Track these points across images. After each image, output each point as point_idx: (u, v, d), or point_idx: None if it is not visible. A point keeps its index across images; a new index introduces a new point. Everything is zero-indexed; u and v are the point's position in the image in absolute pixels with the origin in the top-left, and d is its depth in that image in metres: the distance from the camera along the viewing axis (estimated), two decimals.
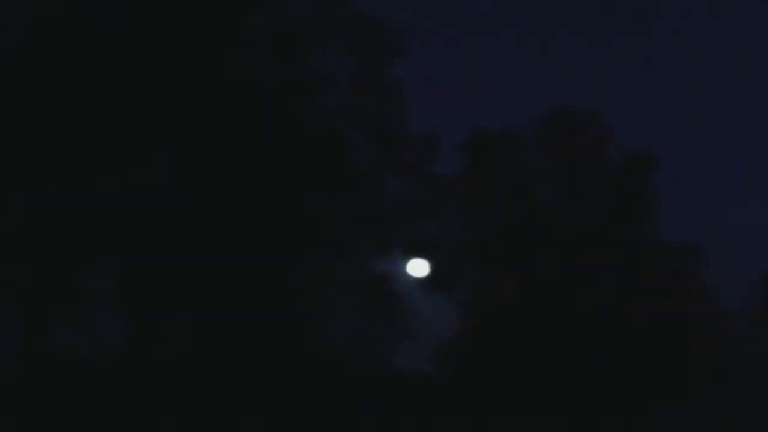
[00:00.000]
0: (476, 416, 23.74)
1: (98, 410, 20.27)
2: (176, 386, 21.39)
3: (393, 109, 23.71)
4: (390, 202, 23.95)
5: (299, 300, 23.42)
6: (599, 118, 24.34)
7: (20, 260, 20.61)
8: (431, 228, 24.21)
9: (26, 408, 19.96)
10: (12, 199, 20.81)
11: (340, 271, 24.02)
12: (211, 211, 21.74)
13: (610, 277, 24.29)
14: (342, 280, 24.02)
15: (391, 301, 24.16)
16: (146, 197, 21.33)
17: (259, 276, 22.81)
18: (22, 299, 20.80)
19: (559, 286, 24.21)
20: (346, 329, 23.94)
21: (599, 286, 24.33)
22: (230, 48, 22.36)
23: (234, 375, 22.42)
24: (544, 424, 23.68)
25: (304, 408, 22.93)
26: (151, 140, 21.61)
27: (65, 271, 20.95)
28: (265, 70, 22.90)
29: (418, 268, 24.37)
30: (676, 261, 24.09)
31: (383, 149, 24.02)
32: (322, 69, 23.28)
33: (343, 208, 23.43)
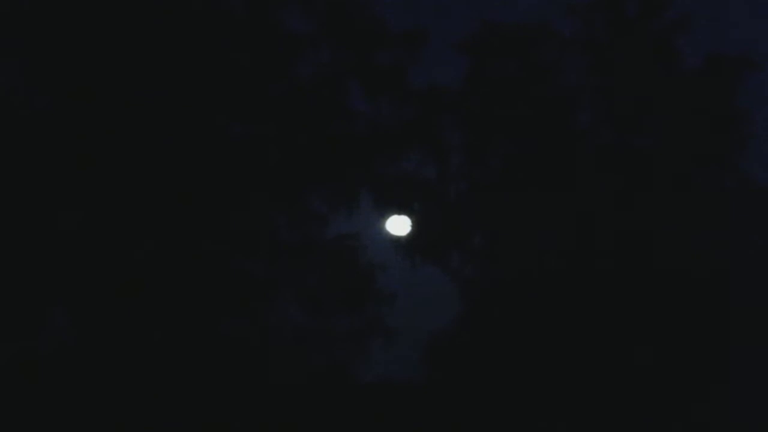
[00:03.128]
0: None
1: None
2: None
3: None
4: (354, 126, 15.99)
5: (220, 279, 15.53)
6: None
7: None
8: (416, 165, 16.21)
9: None
10: None
11: (281, 234, 16.07)
12: None
13: (677, 234, 16.26)
14: (285, 247, 16.08)
15: (358, 276, 16.26)
16: None
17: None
18: None
19: (604, 252, 16.23)
20: (294, 321, 16.04)
21: (661, 246, 16.28)
22: None
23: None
24: None
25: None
26: None
27: None
28: None
29: (397, 226, 16.39)
30: None
31: (342, 48, 15.97)
32: None
33: (279, 138, 15.47)
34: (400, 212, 16.37)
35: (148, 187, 15.25)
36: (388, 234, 16.40)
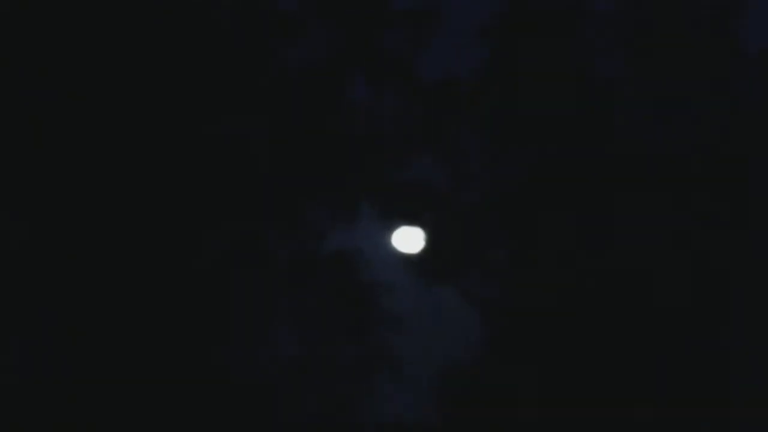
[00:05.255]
0: None
1: None
2: None
3: None
4: (355, 124, 13.70)
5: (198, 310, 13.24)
6: None
7: None
8: (427, 169, 13.87)
9: None
10: None
11: (269, 250, 13.74)
12: None
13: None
14: (274, 265, 13.74)
15: (359, 299, 13.91)
16: None
17: None
18: None
19: (648, 271, 13.89)
20: (285, 352, 13.67)
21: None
22: None
23: None
24: None
25: None
26: None
27: None
28: None
29: (405, 240, 14.03)
30: None
31: (340, 30, 13.69)
32: None
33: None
34: (409, 224, 14.02)
35: (116, 192, 13.02)
36: (395, 249, 14.04)
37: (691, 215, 14.27)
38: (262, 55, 13.62)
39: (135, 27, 13.31)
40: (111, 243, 13.11)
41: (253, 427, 13.37)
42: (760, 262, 14.13)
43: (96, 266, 13.06)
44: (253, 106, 13.61)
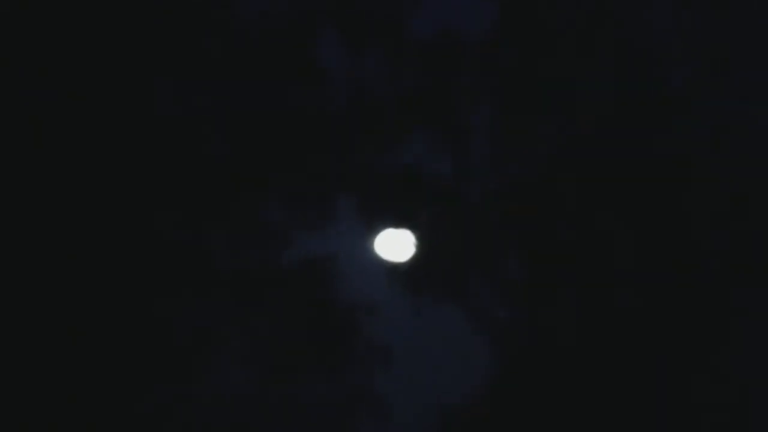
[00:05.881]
0: None
1: None
2: None
3: None
4: (328, 97, 10.60)
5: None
6: None
7: None
8: (420, 155, 10.75)
9: None
10: None
11: (218, 260, 10.62)
12: None
13: None
14: (224, 278, 10.62)
15: (334, 322, 10.80)
16: None
17: None
18: None
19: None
20: (239, 389, 10.55)
21: None
22: None
23: None
24: None
25: None
26: None
27: None
28: None
29: (392, 246, 10.89)
30: None
31: None
32: None
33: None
34: (396, 225, 10.91)
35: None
36: (379, 259, 10.93)
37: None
38: (206, 7, 10.51)
39: None
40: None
41: None
42: None
43: None
44: (195, 73, 10.52)
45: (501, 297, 10.95)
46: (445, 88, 11.01)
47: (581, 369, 10.77)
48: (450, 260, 10.96)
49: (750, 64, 10.83)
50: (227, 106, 10.45)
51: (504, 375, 10.78)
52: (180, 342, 10.22)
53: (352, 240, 10.89)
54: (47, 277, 10.06)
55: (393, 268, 10.94)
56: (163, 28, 10.42)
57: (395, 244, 10.93)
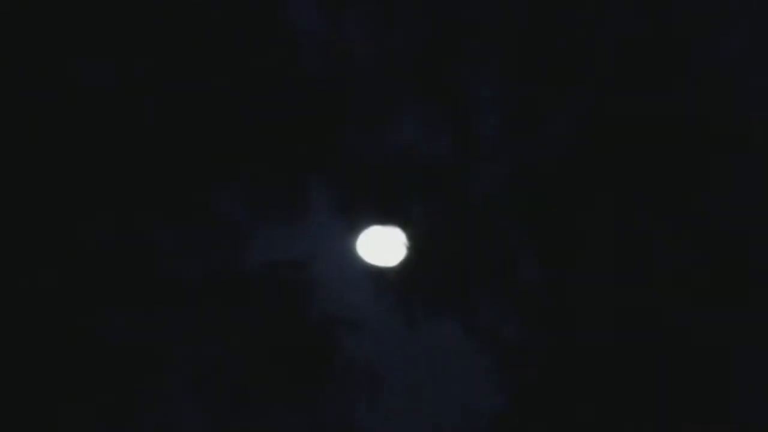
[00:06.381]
0: None
1: None
2: None
3: None
4: (300, 64, 8.65)
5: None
6: None
7: None
8: (413, 136, 8.81)
9: None
10: None
11: (169, 265, 8.71)
12: None
13: None
14: (176, 287, 8.73)
15: (307, 341, 8.92)
16: None
17: None
18: None
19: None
20: (191, 422, 8.71)
21: None
22: None
23: None
24: None
25: None
26: None
27: None
28: None
29: (378, 248, 8.94)
30: None
31: None
32: None
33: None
34: (383, 222, 8.95)
35: None
36: (362, 262, 8.99)
37: None
38: None
39: None
40: None
41: None
42: None
43: None
44: (141, 40, 8.53)
45: (510, 310, 8.99)
46: (444, 52, 8.98)
47: (607, 401, 8.86)
48: (449, 265, 9.00)
49: None
50: (175, 78, 8.47)
51: (513, 406, 8.88)
52: (115, 367, 8.35)
53: (329, 240, 8.95)
54: None
55: (380, 275, 9.00)
56: None
57: (382, 246, 8.98)
